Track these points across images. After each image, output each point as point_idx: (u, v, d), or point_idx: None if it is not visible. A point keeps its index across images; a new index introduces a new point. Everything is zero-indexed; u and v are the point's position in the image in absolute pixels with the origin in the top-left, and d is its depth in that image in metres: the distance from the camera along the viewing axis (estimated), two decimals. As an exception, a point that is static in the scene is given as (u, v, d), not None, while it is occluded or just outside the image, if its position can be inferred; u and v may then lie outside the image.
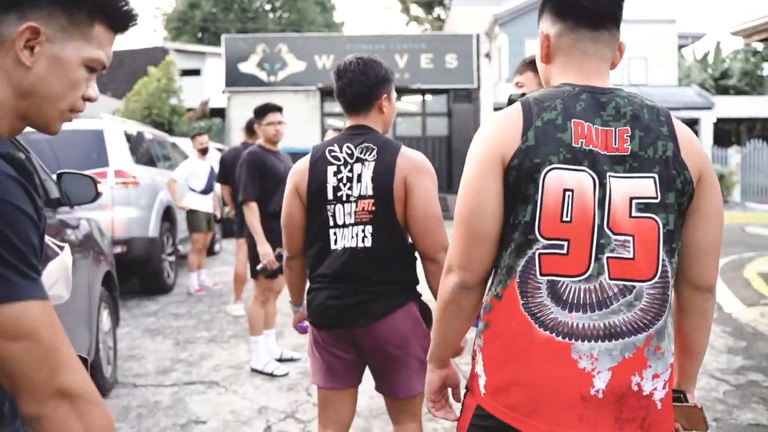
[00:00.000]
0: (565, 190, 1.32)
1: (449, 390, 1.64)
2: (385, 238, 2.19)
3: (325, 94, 19.23)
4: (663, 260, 1.35)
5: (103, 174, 6.36)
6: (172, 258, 7.63)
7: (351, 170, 2.22)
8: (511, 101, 2.79)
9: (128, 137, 7.10)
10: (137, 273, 7.07)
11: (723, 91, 28.19)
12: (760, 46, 28.36)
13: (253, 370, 4.54)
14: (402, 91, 19.49)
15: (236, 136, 17.66)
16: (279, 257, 4.36)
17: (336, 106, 20.42)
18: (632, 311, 1.33)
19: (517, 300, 1.35)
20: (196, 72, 28.18)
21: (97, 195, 3.43)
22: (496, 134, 1.38)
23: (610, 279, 1.33)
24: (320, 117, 19.15)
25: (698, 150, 1.40)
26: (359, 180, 2.21)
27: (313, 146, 2.38)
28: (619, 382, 1.32)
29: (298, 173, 2.32)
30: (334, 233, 2.23)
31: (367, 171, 2.20)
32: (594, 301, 1.33)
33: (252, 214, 4.32)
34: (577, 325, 1.32)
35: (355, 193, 2.20)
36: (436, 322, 1.51)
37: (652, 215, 1.33)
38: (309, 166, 2.29)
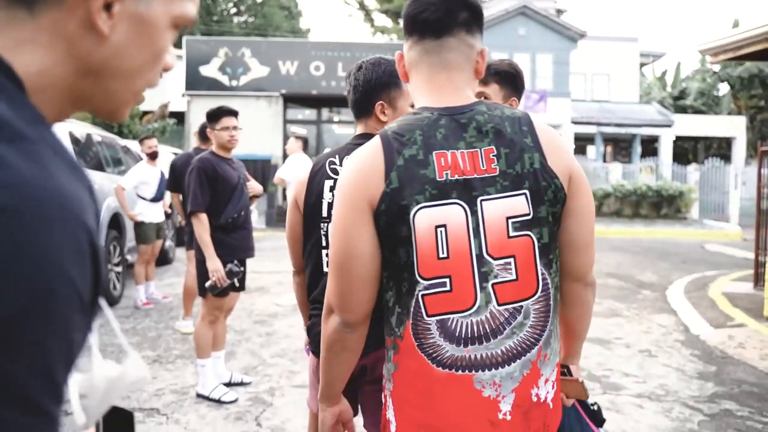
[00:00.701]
0: (437, 227, 1.29)
1: (342, 426, 1.63)
2: None
3: (289, 100, 18.88)
4: (542, 274, 1.36)
5: (44, 178, 5.92)
6: (119, 269, 7.18)
7: None
8: None
9: (74, 139, 6.65)
10: (79, 284, 6.60)
11: (681, 109, 28.70)
12: (716, 67, 29.01)
13: (199, 396, 4.18)
14: (366, 100, 19.22)
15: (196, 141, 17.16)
16: (230, 273, 4.03)
17: (299, 113, 20.09)
18: (524, 330, 1.35)
19: (413, 341, 1.34)
20: (156, 74, 27.48)
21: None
22: (359, 178, 1.33)
23: (499, 305, 1.32)
24: (283, 124, 18.78)
25: (564, 153, 1.39)
26: None
27: (316, 156, 2.21)
28: (521, 400, 1.35)
29: (299, 184, 2.14)
30: (326, 254, 2.04)
31: None
32: (488, 331, 1.32)
33: (201, 226, 3.98)
34: (476, 356, 1.32)
35: None
36: (323, 362, 1.48)
37: (528, 232, 1.33)
38: (308, 178, 2.12)
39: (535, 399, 1.37)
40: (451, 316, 1.31)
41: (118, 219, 7.11)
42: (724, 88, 29.90)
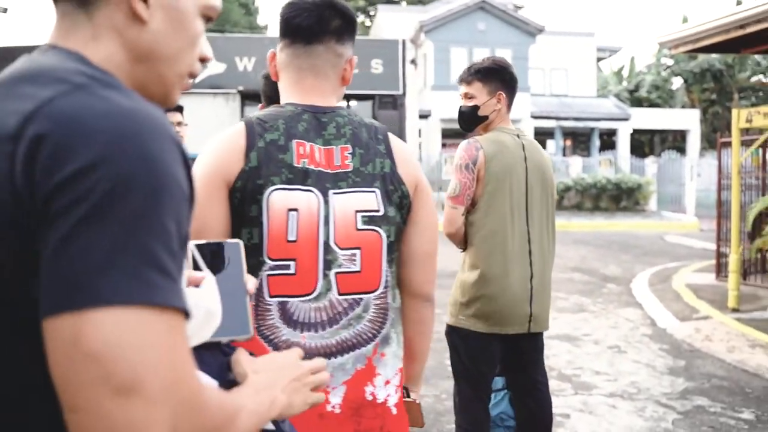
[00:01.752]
0: (289, 210, 1.33)
1: None
2: None
3: (246, 97, 18.48)
4: (386, 271, 1.40)
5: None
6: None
7: None
8: (461, 113, 2.63)
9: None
10: None
11: (637, 103, 29.16)
12: (670, 60, 29.54)
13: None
14: (326, 97, 18.98)
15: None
16: None
17: (257, 111, 19.70)
18: (361, 323, 1.37)
19: (253, 323, 1.32)
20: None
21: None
22: (219, 156, 1.36)
23: (339, 295, 1.35)
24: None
25: (413, 165, 1.46)
26: None
27: None
28: (353, 395, 1.36)
29: None
30: None
31: None
32: (325, 319, 1.35)
33: None
34: (310, 344, 1.33)
35: None
36: None
37: (376, 227, 1.37)
38: None
39: (370, 398, 1.38)
40: (291, 299, 1.33)
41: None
42: (677, 82, 30.49)
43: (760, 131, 6.76)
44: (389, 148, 1.44)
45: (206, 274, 0.91)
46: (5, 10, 16.88)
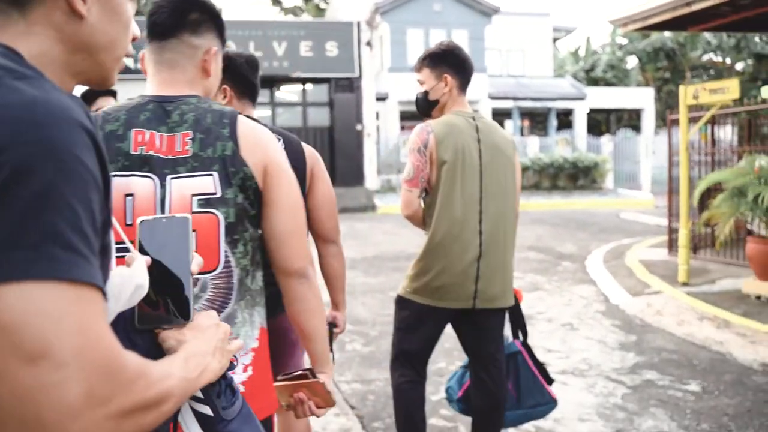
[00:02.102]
0: (126, 195, 1.39)
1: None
2: None
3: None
4: (225, 252, 1.43)
5: None
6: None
7: None
8: (416, 100, 2.75)
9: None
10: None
11: (593, 82, 29.49)
12: (623, 40, 29.92)
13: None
14: (281, 80, 18.71)
15: (100, 128, 16.22)
16: None
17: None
18: (198, 303, 1.41)
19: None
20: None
21: None
22: None
23: None
24: (195, 107, 18.03)
25: (261, 147, 1.47)
26: None
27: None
28: None
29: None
30: None
31: None
32: None
33: None
34: None
35: None
36: None
37: (213, 209, 1.41)
38: None
39: None
40: None
41: None
42: (632, 62, 30.92)
43: (707, 108, 6.85)
44: (234, 131, 1.45)
45: (136, 254, 0.97)
46: (369, 44, 16.12)
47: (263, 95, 18.71)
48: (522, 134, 24.37)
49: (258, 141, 1.48)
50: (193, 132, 1.44)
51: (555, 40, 30.18)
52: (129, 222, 1.38)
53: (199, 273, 1.33)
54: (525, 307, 6.01)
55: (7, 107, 0.66)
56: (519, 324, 2.94)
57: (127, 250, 1.26)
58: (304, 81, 18.83)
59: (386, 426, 3.49)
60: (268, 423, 1.59)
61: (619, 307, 6.08)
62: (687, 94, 6.38)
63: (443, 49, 2.66)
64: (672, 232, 8.21)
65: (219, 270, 1.43)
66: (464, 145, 2.55)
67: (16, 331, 0.60)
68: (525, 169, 19.83)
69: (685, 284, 6.52)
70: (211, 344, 0.92)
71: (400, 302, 2.73)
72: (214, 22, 1.53)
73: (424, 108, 2.70)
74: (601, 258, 8.53)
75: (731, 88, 5.92)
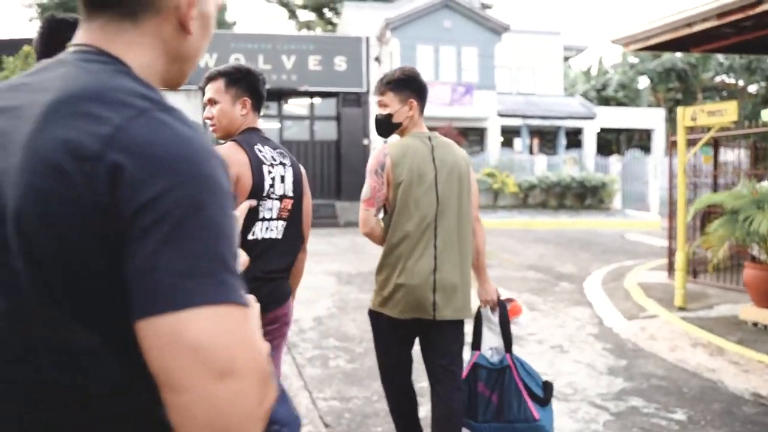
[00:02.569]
0: None
1: None
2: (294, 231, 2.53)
3: (209, 94, 18.22)
4: None
5: None
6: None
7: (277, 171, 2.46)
8: (377, 121, 2.86)
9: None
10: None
11: (604, 102, 29.41)
12: (634, 59, 29.85)
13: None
14: (290, 94, 18.78)
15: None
16: None
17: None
18: None
19: None
20: (71, 68, 26.23)
21: None
22: None
23: None
24: (202, 118, 18.08)
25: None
26: (283, 181, 2.45)
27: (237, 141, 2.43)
28: None
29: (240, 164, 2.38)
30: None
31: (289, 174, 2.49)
32: None
33: None
34: None
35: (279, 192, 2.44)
36: None
37: None
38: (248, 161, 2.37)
39: None
40: None
41: None
42: (643, 82, 30.83)
43: (707, 130, 6.77)
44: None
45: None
46: (378, 59, 16.37)
47: (272, 108, 18.78)
48: (531, 152, 24.28)
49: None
50: None
51: (566, 58, 30.16)
52: None
53: None
54: (516, 328, 5.94)
55: (172, 145, 0.75)
56: (507, 339, 3.00)
57: None
58: (312, 95, 18.89)
59: (358, 447, 3.42)
60: None
61: (612, 330, 5.98)
62: (685, 116, 6.31)
63: (407, 74, 2.80)
64: (672, 254, 8.10)
65: None
66: (419, 165, 2.70)
67: (206, 350, 0.69)
68: (532, 187, 19.73)
69: (681, 309, 6.41)
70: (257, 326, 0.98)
71: (372, 316, 2.86)
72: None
73: (386, 130, 2.84)
74: (600, 279, 8.42)
75: (729, 111, 5.84)
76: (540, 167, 20.94)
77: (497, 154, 21.49)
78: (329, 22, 30.81)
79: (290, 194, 2.44)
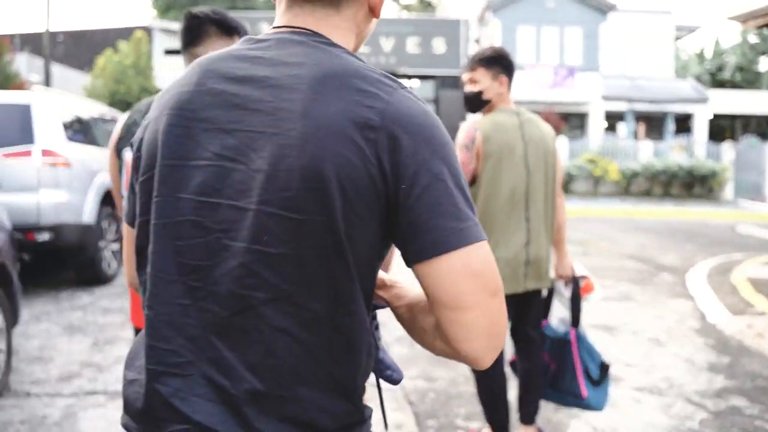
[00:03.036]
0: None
1: None
2: None
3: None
4: None
5: (28, 152, 5.75)
6: (116, 246, 7.03)
7: None
8: (466, 97, 2.95)
9: (65, 113, 6.48)
10: (70, 263, 6.47)
11: (719, 85, 27.67)
12: (754, 39, 27.81)
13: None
14: (388, 76, 18.83)
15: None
16: None
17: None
18: None
19: None
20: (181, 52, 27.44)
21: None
22: None
23: None
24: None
25: None
26: None
27: None
28: None
29: None
30: None
31: None
32: None
33: None
34: None
35: None
36: None
37: None
38: None
39: None
40: None
41: (112, 195, 6.95)
42: (765, 63, 28.71)
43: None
44: None
45: None
46: (477, 41, 17.51)
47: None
48: (636, 138, 23.23)
49: None
50: None
51: (677, 39, 28.52)
52: None
53: None
54: (610, 318, 5.77)
55: (426, 116, 0.92)
56: (575, 314, 3.11)
57: None
58: (410, 77, 18.88)
59: (440, 425, 3.44)
60: None
61: (715, 327, 5.66)
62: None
63: (498, 52, 2.90)
64: (788, 248, 7.55)
65: None
66: (509, 140, 2.79)
67: (484, 275, 0.90)
68: (635, 174, 18.91)
69: (795, 306, 5.97)
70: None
71: None
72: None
73: (476, 105, 2.92)
74: (705, 272, 7.97)
75: None
76: (645, 154, 20.02)
77: (599, 139, 20.73)
78: (429, 5, 30.62)
79: None
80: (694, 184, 19.06)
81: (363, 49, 18.10)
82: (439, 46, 18.24)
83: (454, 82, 18.39)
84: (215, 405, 0.90)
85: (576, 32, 21.57)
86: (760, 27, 7.32)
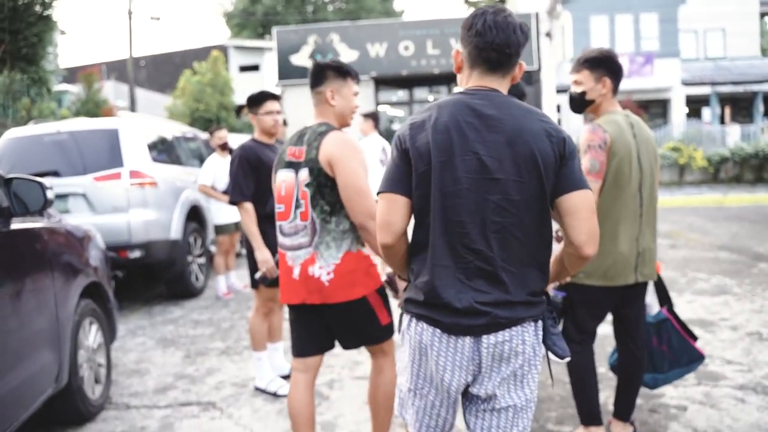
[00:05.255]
0: (281, 181, 2.78)
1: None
2: None
3: (379, 82, 18.70)
4: (311, 212, 2.67)
5: (117, 175, 6.03)
6: (202, 260, 7.29)
7: None
8: (570, 97, 3.12)
9: (149, 135, 6.77)
10: (161, 277, 6.75)
11: (812, 60, 25.98)
12: None
13: (257, 389, 4.08)
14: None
15: (290, 130, 17.38)
16: (278, 266, 3.89)
17: (392, 95, 19.87)
18: (305, 236, 2.69)
19: None
20: (255, 68, 28.26)
21: (47, 202, 3.02)
22: None
23: (299, 221, 2.70)
24: (375, 106, 18.62)
25: (328, 150, 2.63)
26: None
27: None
28: (303, 271, 2.69)
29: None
30: None
31: None
32: (293, 232, 2.72)
33: (247, 216, 3.83)
34: (285, 243, 2.76)
35: None
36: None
37: (306, 189, 2.67)
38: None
39: (311, 273, 2.67)
40: (282, 222, 2.77)
41: (198, 212, 7.20)
42: None
43: None
44: (320, 143, 2.65)
45: None
46: (549, 35, 18.21)
47: (442, 92, 18.87)
48: (722, 122, 22.11)
49: (325, 147, 2.63)
50: (303, 146, 2.71)
51: (762, 15, 26.95)
52: (282, 194, 2.76)
53: (303, 221, 2.68)
54: (706, 313, 5.49)
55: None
56: (664, 294, 3.30)
57: (281, 207, 2.87)
58: (480, 76, 18.65)
59: (532, 429, 3.35)
60: (362, 302, 2.69)
61: (824, 317, 5.29)
62: None
63: (603, 54, 3.00)
64: None
65: (308, 222, 2.67)
66: (628, 141, 2.94)
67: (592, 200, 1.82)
68: (723, 160, 18.01)
69: None
70: None
71: (574, 289, 3.04)
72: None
73: (579, 106, 3.08)
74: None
75: None
76: (733, 138, 19.03)
77: (682, 126, 19.86)
78: (500, 1, 30.27)
79: None
80: (790, 167, 17.97)
81: (433, 52, 18.06)
82: (508, 42, 17.95)
83: (527, 78, 18.05)
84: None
85: (652, 18, 20.77)
86: None
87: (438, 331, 1.74)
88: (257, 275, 3.85)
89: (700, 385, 3.91)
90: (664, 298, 3.30)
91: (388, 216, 1.79)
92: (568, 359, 1.83)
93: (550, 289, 3.05)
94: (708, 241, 9.23)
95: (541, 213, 1.74)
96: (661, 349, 3.27)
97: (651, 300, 3.32)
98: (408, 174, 1.75)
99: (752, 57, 23.84)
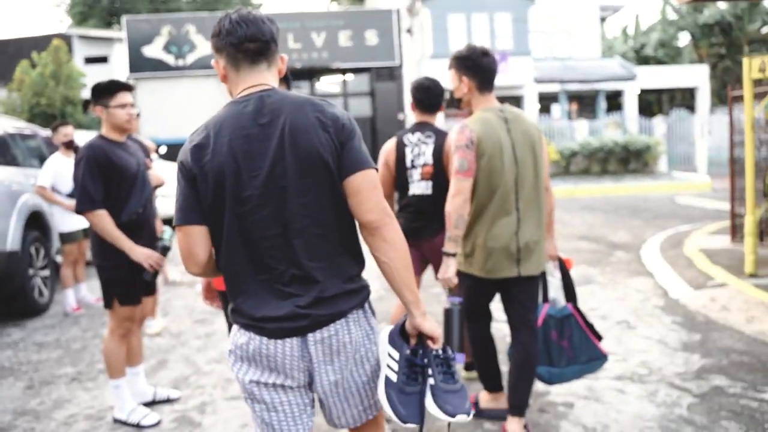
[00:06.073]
0: None
1: None
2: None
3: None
4: None
5: (-64, 179, 5.19)
6: (47, 272, 6.49)
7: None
8: (451, 95, 3.23)
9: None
10: (-4, 294, 5.92)
11: (643, 62, 28.37)
12: (673, 15, 28.63)
13: (116, 421, 3.59)
14: (321, 71, 18.47)
15: (144, 126, 16.27)
16: (143, 283, 3.46)
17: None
18: None
19: None
20: (103, 59, 26.36)
21: None
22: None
23: None
24: (235, 102, 17.92)
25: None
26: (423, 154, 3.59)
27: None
28: None
29: (389, 151, 3.70)
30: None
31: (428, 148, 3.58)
32: None
33: (102, 221, 3.30)
34: None
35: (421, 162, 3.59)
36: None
37: None
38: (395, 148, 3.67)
39: None
40: None
41: (39, 217, 6.39)
42: (684, 38, 29.60)
43: (774, 82, 6.26)
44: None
45: None
46: (409, 31, 16.43)
47: (304, 87, 18.52)
48: (570, 118, 23.56)
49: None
50: None
51: (602, 19, 29.10)
52: None
53: None
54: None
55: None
56: (570, 289, 3.35)
57: None
58: (344, 71, 18.56)
59: None
60: None
61: (679, 302, 5.61)
62: (752, 67, 5.82)
63: (460, 52, 3.06)
64: (734, 217, 7.63)
65: None
66: (498, 137, 2.94)
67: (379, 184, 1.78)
68: (573, 154, 19.16)
69: (752, 275, 5.98)
70: None
71: (460, 274, 3.13)
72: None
73: (458, 104, 3.17)
74: (658, 247, 8.00)
75: (802, 59, 5.35)
76: (581, 133, 20.30)
77: (535, 121, 20.88)
78: (357, -3, 30.30)
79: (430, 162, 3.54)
80: (630, 160, 19.43)
81: (294, 46, 17.66)
82: (371, 38, 17.96)
83: (388, 74, 18.17)
84: None
85: (505, 18, 21.66)
86: (690, 2, 7.33)
87: (265, 338, 1.72)
88: (145, 276, 3.42)
89: (582, 378, 3.94)
90: (570, 294, 3.35)
91: (192, 248, 1.74)
92: (464, 417, 1.71)
93: (448, 299, 2.90)
94: (567, 232, 9.65)
95: (336, 203, 1.72)
96: (561, 344, 3.26)
97: (557, 295, 3.34)
98: (199, 201, 1.71)
99: (594, 58, 25.61)
